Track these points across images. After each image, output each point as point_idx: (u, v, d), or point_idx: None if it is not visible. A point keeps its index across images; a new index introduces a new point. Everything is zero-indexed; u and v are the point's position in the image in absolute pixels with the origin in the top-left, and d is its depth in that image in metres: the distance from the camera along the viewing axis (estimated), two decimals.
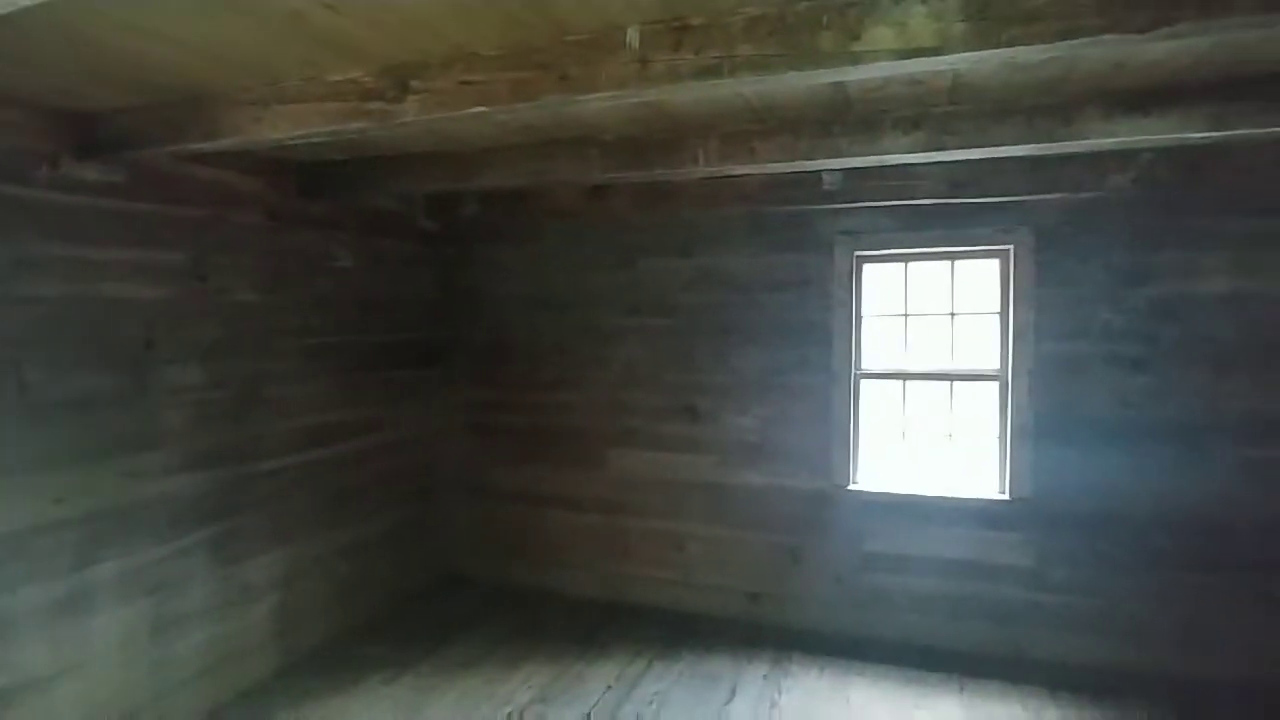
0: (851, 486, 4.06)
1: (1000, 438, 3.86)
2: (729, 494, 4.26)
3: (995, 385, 3.87)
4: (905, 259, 4.02)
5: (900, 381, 4.10)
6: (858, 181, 3.52)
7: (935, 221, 3.80)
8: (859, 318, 4.08)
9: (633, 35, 1.77)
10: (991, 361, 3.90)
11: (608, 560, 4.54)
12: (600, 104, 1.94)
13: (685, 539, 4.36)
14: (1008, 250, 3.75)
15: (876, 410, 4.31)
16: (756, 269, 4.15)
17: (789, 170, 3.26)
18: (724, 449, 4.26)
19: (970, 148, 2.60)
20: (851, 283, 4.02)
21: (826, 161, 2.81)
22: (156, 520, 3.03)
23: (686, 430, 4.33)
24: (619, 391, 4.47)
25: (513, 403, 4.72)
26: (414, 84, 1.98)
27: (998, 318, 3.86)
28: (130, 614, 2.94)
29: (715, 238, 4.22)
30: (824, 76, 1.76)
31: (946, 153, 2.67)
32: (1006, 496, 3.78)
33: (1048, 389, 3.67)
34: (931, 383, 4.04)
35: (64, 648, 2.71)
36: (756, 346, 4.17)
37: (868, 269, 4.09)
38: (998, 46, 1.59)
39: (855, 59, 1.67)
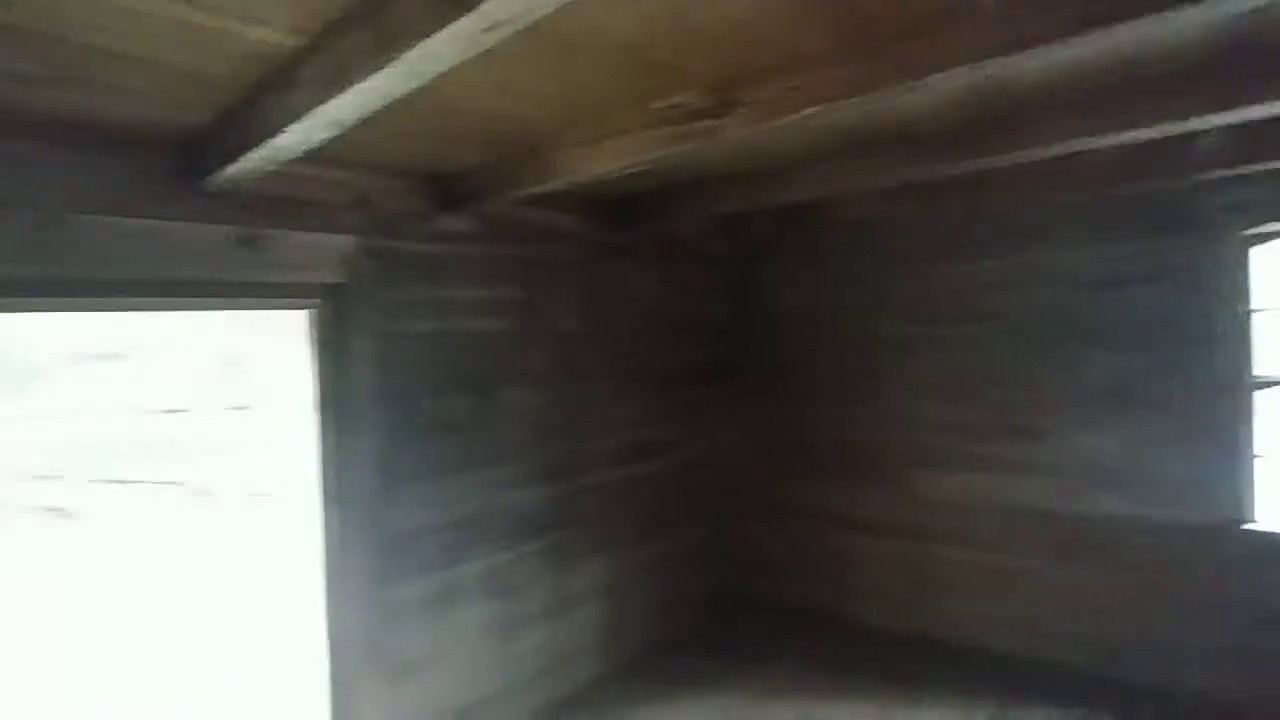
0: (1248, 524, 3.27)
1: None
2: (1077, 525, 3.67)
3: None
4: None
5: None
6: (1247, 142, 2.85)
7: None
8: (1248, 313, 3.30)
9: None
10: None
11: (910, 590, 4.17)
12: (930, 91, 1.76)
13: (1016, 574, 3.84)
14: None
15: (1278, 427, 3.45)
16: (1103, 261, 3.56)
17: (1155, 137, 2.74)
18: (1068, 472, 3.69)
19: None
20: (1236, 270, 3.27)
21: (1211, 119, 2.29)
22: (505, 528, 3.39)
23: (1014, 450, 3.84)
24: (922, 406, 4.11)
25: (804, 419, 4.58)
26: (740, 97, 1.97)
27: None
28: (486, 612, 3.30)
29: (1039, 230, 3.72)
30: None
31: None
32: None
33: None
34: None
35: (437, 636, 3.12)
36: (1107, 352, 3.57)
37: (1261, 252, 3.30)
38: None
39: None
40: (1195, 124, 2.33)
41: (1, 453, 10.81)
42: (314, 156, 2.45)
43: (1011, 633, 3.86)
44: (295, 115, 1.74)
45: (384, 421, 2.93)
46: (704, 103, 2.06)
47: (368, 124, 1.86)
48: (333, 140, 1.94)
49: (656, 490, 4.21)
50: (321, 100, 1.64)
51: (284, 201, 2.67)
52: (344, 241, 2.83)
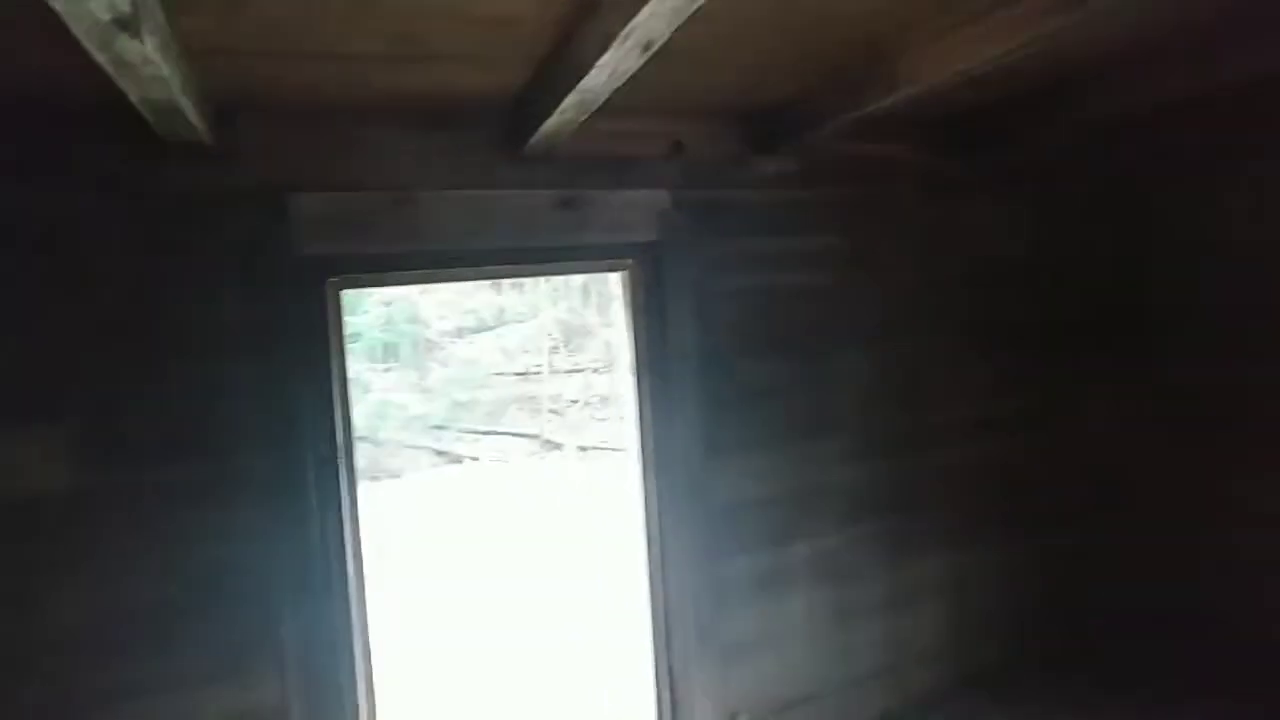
0: None
1: None
2: None
3: None
4: None
5: None
6: None
7: None
8: None
9: None
10: None
11: None
12: None
13: None
14: None
15: None
16: None
17: None
18: None
19: None
20: None
21: None
22: (835, 508, 3.02)
23: None
24: None
25: (1236, 391, 3.41)
26: None
27: None
28: (817, 597, 2.98)
29: None
30: None
31: None
32: None
33: None
34: None
35: (765, 620, 2.88)
36: None
37: None
38: None
39: None
40: None
41: (408, 407, 13.22)
42: (624, 108, 2.30)
43: None
44: (604, 42, 1.57)
45: (703, 387, 2.74)
46: None
47: (675, 61, 1.62)
48: (642, 88, 1.73)
49: (1015, 474, 3.47)
50: (630, 14, 1.44)
51: (598, 161, 2.58)
52: (658, 196, 2.66)
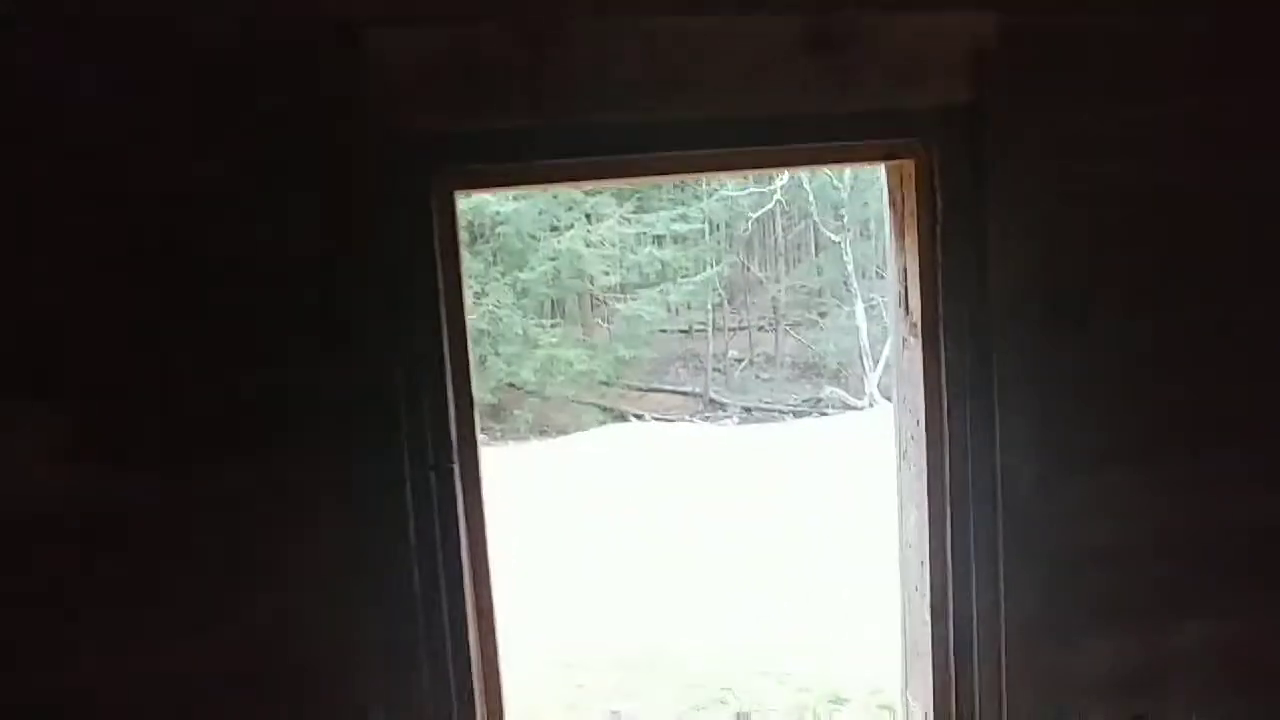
0: None
1: None
2: None
3: None
4: None
5: None
6: None
7: None
8: None
9: None
10: None
11: None
12: None
13: None
14: None
15: None
16: None
17: None
18: None
19: None
20: None
21: None
22: (1249, 563, 1.79)
23: None
24: None
25: None
26: None
27: None
28: (1220, 714, 1.78)
29: None
30: None
31: None
32: None
33: None
34: None
35: None
36: None
37: None
38: None
39: None
40: None
41: (574, 364, 12.94)
42: None
43: None
44: None
45: (1040, 360, 1.61)
46: None
47: None
48: None
49: None
50: None
51: None
52: (977, 23, 1.52)
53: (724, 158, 1.55)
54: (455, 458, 1.41)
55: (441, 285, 1.42)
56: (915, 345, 1.63)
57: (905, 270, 1.65)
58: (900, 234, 1.67)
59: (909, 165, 1.60)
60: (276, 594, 1.42)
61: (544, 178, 1.54)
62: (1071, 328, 1.62)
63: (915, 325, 1.63)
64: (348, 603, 1.43)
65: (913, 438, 1.70)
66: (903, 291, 1.69)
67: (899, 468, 1.81)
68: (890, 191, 1.69)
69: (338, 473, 1.40)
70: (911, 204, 1.61)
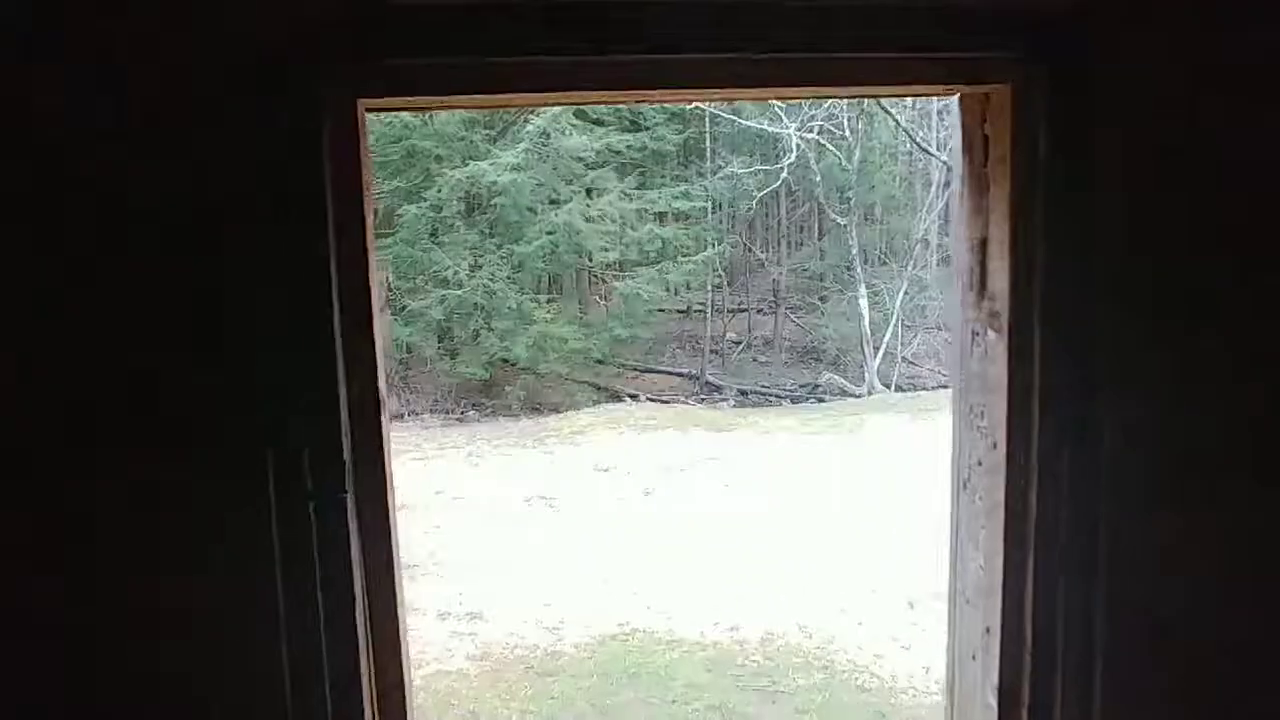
0: None
1: None
2: None
3: None
4: None
5: None
6: None
7: None
8: None
9: None
10: None
11: None
12: None
13: None
14: None
15: None
16: None
17: None
18: None
19: None
20: None
21: None
22: None
23: None
24: None
25: None
26: None
27: None
28: None
29: None
30: None
31: None
32: None
33: None
34: None
35: None
36: None
37: None
38: None
39: None
40: None
41: (568, 341, 12.52)
42: None
43: None
44: None
45: (1177, 369, 1.18)
46: None
47: None
48: None
49: None
50: None
51: None
52: None
53: (760, 69, 1.10)
54: (349, 484, 0.97)
55: (333, 238, 0.97)
56: (995, 340, 1.20)
57: (985, 238, 1.22)
58: (978, 189, 1.23)
59: (1002, 93, 1.15)
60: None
61: (483, 85, 1.07)
62: (1175, 299, 1.19)
63: (997, 314, 1.20)
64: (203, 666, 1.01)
65: (981, 463, 1.27)
66: (977, 267, 1.25)
67: (955, 497, 1.38)
68: (967, 131, 1.25)
69: (191, 489, 0.97)
70: (1002, 147, 1.17)
